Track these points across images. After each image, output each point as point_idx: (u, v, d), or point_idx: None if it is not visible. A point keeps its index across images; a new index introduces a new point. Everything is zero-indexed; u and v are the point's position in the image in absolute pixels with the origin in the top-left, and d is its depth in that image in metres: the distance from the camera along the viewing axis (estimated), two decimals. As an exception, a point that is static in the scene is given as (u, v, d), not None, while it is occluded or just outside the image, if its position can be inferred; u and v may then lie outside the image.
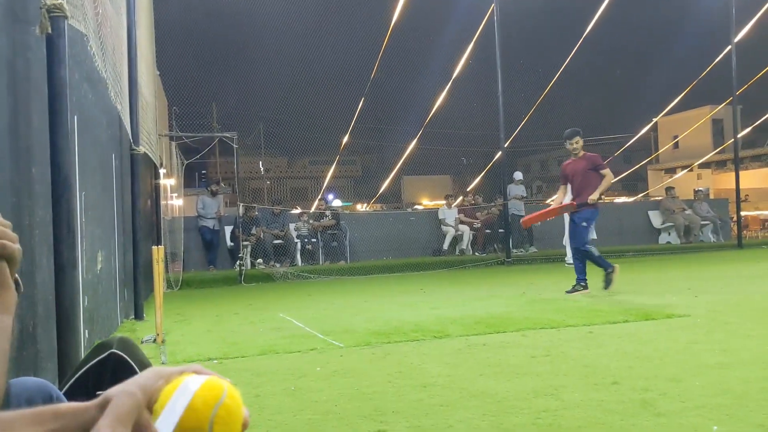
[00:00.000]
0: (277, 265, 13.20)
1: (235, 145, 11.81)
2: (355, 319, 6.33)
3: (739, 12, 17.74)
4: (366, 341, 5.02)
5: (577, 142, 7.92)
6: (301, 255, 13.97)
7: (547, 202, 15.71)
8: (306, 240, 14.06)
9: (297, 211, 15.80)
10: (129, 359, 1.46)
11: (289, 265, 13.29)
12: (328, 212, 14.52)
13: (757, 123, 25.99)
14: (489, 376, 3.74)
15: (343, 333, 5.44)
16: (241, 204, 12.75)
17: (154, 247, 5.66)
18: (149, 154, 8.28)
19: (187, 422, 0.54)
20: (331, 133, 19.14)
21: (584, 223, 7.81)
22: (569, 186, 8.10)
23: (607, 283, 7.70)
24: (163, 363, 4.56)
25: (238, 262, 11.99)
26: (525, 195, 16.30)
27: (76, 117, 3.96)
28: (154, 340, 5.31)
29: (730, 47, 17.30)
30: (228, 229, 13.80)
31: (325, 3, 17.73)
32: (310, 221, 14.30)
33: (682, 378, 3.46)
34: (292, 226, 14.17)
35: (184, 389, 0.55)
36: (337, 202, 24.99)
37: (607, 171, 7.95)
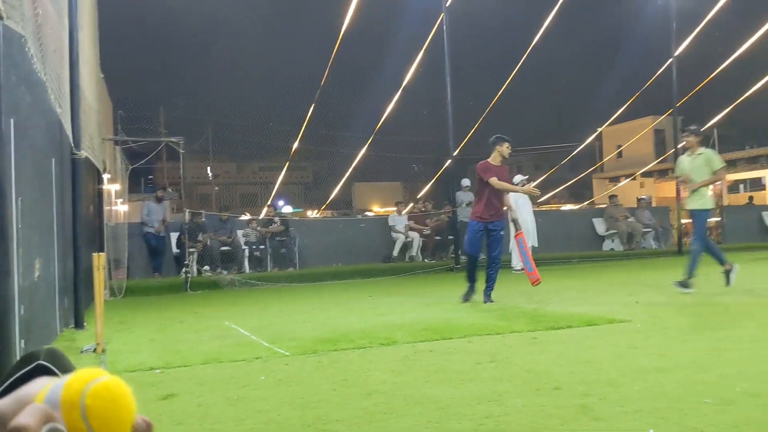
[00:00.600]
0: (224, 272, 13.02)
1: (181, 150, 11.62)
2: (302, 326, 6.28)
3: (680, 26, 18.34)
4: (312, 349, 4.98)
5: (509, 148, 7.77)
6: (249, 262, 13.82)
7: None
8: (254, 247, 13.92)
9: (246, 217, 15.62)
10: (57, 371, 1.41)
11: (237, 272, 13.13)
12: (277, 218, 14.40)
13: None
14: (434, 383, 3.75)
15: (290, 341, 5.39)
16: (187, 210, 12.54)
17: (95, 254, 5.51)
18: (91, 158, 8.08)
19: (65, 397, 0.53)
20: (282, 139, 19.05)
21: (502, 232, 7.79)
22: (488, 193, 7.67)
23: (487, 297, 7.72)
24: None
25: (183, 270, 11.78)
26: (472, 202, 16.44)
27: (12, 120, 3.84)
28: (94, 349, 5.16)
29: (671, 60, 17.86)
30: (174, 236, 13.55)
31: (277, 10, 17.65)
32: (258, 228, 14.16)
33: (620, 382, 3.54)
34: (240, 232, 14.00)
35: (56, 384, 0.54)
36: (287, 208, 24.85)
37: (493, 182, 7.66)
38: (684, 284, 7.83)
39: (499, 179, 7.58)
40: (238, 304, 9.36)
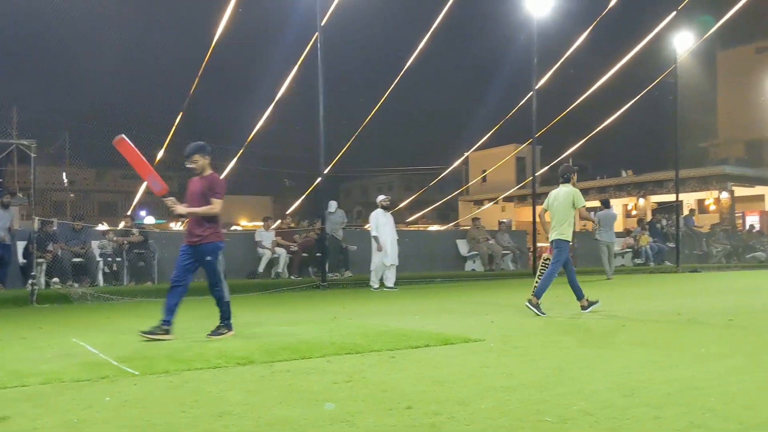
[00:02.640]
0: (76, 285, 12.24)
1: (32, 154, 10.85)
2: (154, 344, 6.01)
3: (541, 62, 19.50)
4: (164, 369, 4.77)
5: (195, 161, 6.60)
6: (103, 275, 13.09)
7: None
8: (110, 259, 13.21)
9: (102, 227, 14.81)
10: None
11: (89, 285, 12.38)
12: (135, 230, 13.75)
13: (553, 163, 28.56)
14: (288, 404, 3.70)
15: (140, 360, 5.14)
16: (37, 218, 11.70)
17: None
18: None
19: None
20: (147, 147, 18.22)
21: (209, 257, 6.68)
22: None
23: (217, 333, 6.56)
24: None
25: (30, 281, 10.96)
26: (346, 220, 16.51)
27: None
28: None
29: (531, 93, 18.91)
30: (21, 245, 12.58)
31: (145, 16, 16.99)
32: (115, 238, 13.46)
33: (470, 401, 3.65)
34: (95, 243, 13.23)
35: None
36: (149, 219, 23.82)
37: (216, 202, 6.63)
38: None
39: (189, 194, 6.69)
40: (89, 319, 8.83)
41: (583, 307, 8.33)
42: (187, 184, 6.79)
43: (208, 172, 6.66)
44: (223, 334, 6.48)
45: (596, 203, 34.38)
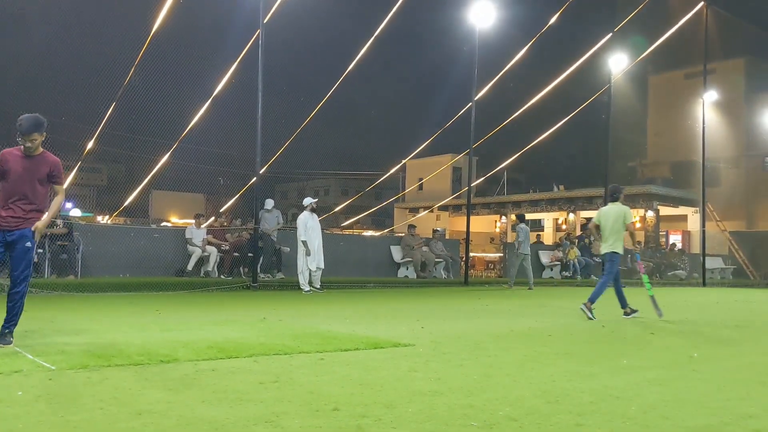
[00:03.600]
0: (-8, 276, 11.69)
1: (-49, 136, 10.31)
2: (74, 339, 5.77)
3: (481, 75, 19.84)
4: (82, 364, 4.58)
5: (34, 140, 5.51)
6: (23, 266, 12.53)
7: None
8: (31, 250, 12.66)
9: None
10: None
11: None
12: (59, 221, 13.24)
13: (488, 175, 29.10)
14: (211, 403, 3.60)
15: (57, 354, 4.92)
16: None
17: None
18: None
19: None
20: (75, 136, 17.57)
21: (28, 243, 5.55)
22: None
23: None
24: None
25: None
26: (281, 222, 16.33)
27: None
28: None
29: (470, 104, 19.18)
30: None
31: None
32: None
33: (397, 404, 3.63)
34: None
35: None
36: (75, 212, 22.97)
37: (62, 190, 5.78)
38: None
39: (17, 174, 5.53)
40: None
41: (626, 314, 9.23)
42: (5, 161, 5.51)
43: (41, 151, 5.59)
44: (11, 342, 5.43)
45: (529, 215, 35.17)
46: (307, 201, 13.91)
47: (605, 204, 21.13)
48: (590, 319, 8.79)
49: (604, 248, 9.29)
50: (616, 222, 9.12)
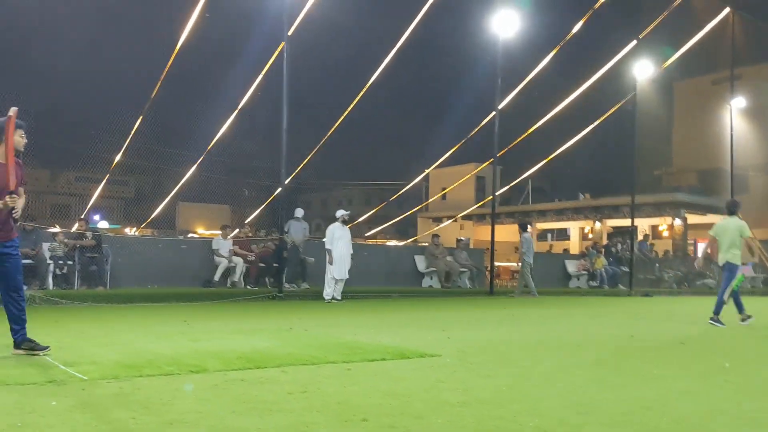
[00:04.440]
0: (25, 287, 11.87)
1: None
2: (104, 349, 5.85)
3: (505, 83, 19.80)
4: (114, 374, 4.64)
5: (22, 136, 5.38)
6: (53, 278, 12.74)
7: None
8: (61, 262, 12.86)
9: (55, 229, 14.43)
10: None
11: (39, 288, 12.04)
12: (89, 233, 13.44)
13: (512, 183, 28.96)
14: (241, 413, 3.62)
15: (90, 364, 4.99)
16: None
17: None
18: None
19: None
20: (104, 149, 17.87)
21: (16, 253, 5.51)
22: None
23: None
24: None
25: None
26: (307, 233, 16.51)
27: None
28: None
29: (494, 113, 19.14)
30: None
31: (108, 15, 16.70)
32: (66, 240, 13.13)
33: (425, 415, 3.62)
34: (46, 245, 12.89)
35: None
36: (103, 224, 23.31)
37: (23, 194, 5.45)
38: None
39: None
40: (36, 322, 8.51)
41: (742, 320, 9.79)
42: None
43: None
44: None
45: (553, 224, 34.85)
46: (340, 213, 14.28)
47: (631, 213, 21.05)
48: (722, 326, 9.35)
49: (722, 259, 9.83)
50: (734, 235, 9.72)
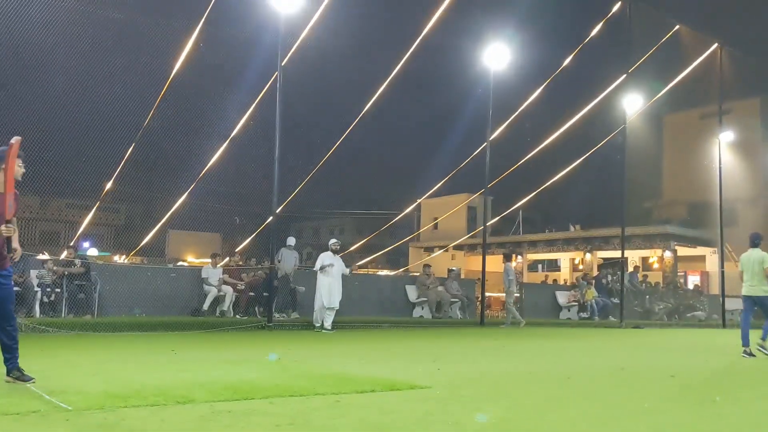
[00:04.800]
0: (12, 315, 11.73)
1: (-26, 177, 10.47)
2: (90, 379, 5.77)
3: (496, 116, 19.98)
4: (99, 404, 4.57)
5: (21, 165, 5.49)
6: (40, 306, 12.61)
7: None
8: (48, 290, 12.74)
9: (44, 257, 14.33)
10: None
11: (25, 315, 11.90)
12: (78, 261, 13.35)
13: (503, 214, 29.06)
14: (228, 446, 3.56)
15: (74, 394, 4.91)
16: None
17: None
18: None
19: None
20: (94, 177, 17.83)
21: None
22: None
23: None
24: None
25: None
26: (297, 262, 16.51)
27: None
28: None
29: (485, 144, 19.28)
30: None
31: (101, 43, 16.79)
32: (54, 268, 13.03)
33: (415, 449, 3.58)
34: (33, 273, 12.78)
35: None
36: (93, 251, 23.18)
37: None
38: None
39: None
40: (23, 350, 8.40)
41: (745, 353, 9.93)
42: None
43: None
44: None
45: (544, 255, 34.93)
46: (332, 242, 14.64)
47: (622, 245, 21.21)
48: None
49: (748, 290, 10.22)
50: (756, 266, 10.11)
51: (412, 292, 18.84)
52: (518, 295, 17.61)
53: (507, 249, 36.19)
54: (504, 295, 18.33)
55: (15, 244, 5.48)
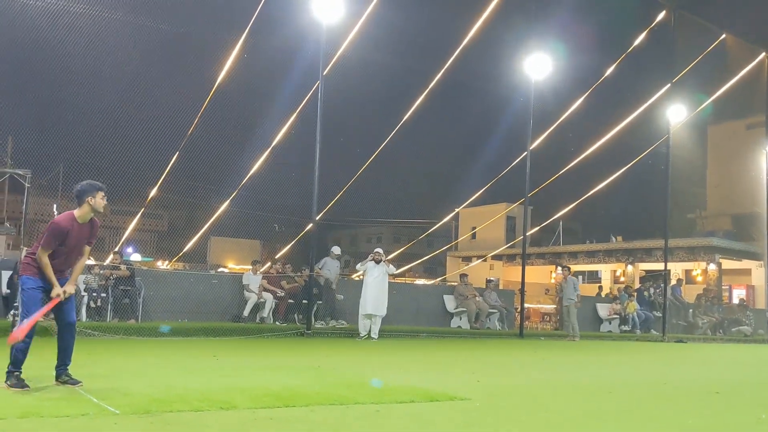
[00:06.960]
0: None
1: (26, 184, 10.84)
2: (136, 383, 5.91)
3: (537, 124, 19.86)
4: (145, 408, 4.68)
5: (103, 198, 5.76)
6: (86, 310, 12.92)
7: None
8: (95, 294, 13.06)
9: (90, 262, 14.69)
10: None
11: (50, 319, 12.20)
12: (123, 266, 13.67)
13: (543, 224, 28.81)
14: (270, 452, 3.63)
15: (121, 398, 5.05)
16: (24, 248, 11.59)
17: None
18: None
19: None
20: (139, 184, 18.26)
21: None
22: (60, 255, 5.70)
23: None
24: None
25: (12, 312, 10.80)
26: (339, 272, 16.64)
27: None
28: None
29: (525, 153, 19.16)
30: (6, 274, 12.44)
31: (147, 53, 17.23)
32: (101, 272, 13.35)
33: (455, 460, 3.59)
34: (81, 278, 13.11)
35: None
36: (136, 256, 23.66)
37: (88, 250, 5.95)
38: None
39: (76, 240, 5.71)
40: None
41: None
42: (61, 226, 5.64)
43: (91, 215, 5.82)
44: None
45: (585, 267, 34.43)
46: (375, 251, 14.93)
47: (665, 257, 20.92)
48: None
49: None
50: None
51: (450, 302, 18.77)
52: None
53: (547, 260, 35.85)
54: (564, 306, 18.21)
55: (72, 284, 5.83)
